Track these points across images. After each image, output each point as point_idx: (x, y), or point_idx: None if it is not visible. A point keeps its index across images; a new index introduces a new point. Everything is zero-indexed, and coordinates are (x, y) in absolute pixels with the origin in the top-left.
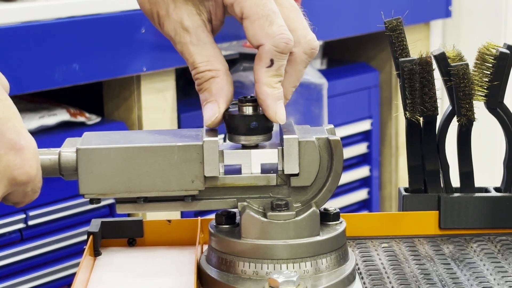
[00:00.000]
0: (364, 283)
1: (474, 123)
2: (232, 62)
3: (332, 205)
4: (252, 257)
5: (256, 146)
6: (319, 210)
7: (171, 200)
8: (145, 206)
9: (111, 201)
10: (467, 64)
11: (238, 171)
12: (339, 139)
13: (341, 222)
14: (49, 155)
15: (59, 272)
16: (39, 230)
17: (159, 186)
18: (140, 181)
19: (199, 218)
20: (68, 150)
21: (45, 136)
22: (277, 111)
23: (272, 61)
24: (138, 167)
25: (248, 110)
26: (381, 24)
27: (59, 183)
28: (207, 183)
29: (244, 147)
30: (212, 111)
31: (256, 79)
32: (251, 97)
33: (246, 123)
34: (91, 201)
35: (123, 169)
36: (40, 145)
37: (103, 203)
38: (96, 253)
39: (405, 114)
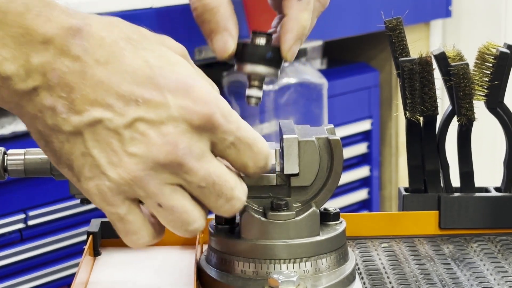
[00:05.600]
0: (364, 283)
1: (474, 123)
2: None
3: (332, 205)
4: (252, 257)
5: (260, 87)
6: (319, 210)
7: None
8: None
9: None
10: (467, 64)
11: None
12: (339, 139)
13: (341, 222)
14: (40, 155)
15: (59, 272)
16: (39, 230)
17: None
18: None
19: None
20: None
21: None
22: (291, 48)
23: None
24: None
25: (262, 41)
26: (381, 24)
27: (58, 182)
28: None
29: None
30: (222, 41)
31: (287, 12)
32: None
33: (261, 52)
34: (82, 201)
35: None
36: None
37: None
38: (95, 253)
39: (405, 114)
